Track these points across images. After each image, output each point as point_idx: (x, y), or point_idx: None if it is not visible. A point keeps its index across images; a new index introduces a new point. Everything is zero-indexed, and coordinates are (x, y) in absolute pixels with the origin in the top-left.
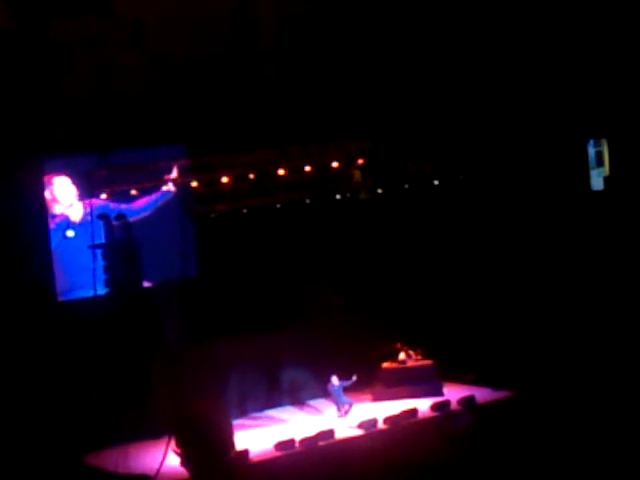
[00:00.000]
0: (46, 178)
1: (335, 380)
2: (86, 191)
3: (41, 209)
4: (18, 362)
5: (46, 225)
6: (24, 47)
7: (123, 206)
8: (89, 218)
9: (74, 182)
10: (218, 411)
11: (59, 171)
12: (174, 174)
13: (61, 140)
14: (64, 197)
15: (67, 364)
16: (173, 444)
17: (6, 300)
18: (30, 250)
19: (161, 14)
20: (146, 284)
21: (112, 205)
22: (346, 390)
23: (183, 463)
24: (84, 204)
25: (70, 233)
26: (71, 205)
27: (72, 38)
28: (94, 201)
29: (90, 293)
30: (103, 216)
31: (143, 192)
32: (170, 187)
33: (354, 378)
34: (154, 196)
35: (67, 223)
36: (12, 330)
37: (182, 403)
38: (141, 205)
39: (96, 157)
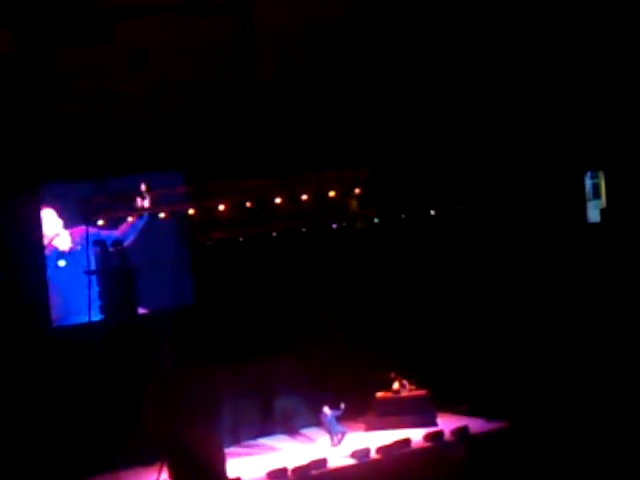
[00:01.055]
0: None
1: (327, 410)
2: (83, 218)
3: (37, 235)
4: (12, 388)
5: (42, 251)
6: (25, 73)
7: (107, 232)
8: (79, 247)
9: (60, 212)
10: (210, 439)
11: (49, 201)
12: (146, 203)
13: (59, 167)
14: (48, 229)
15: (61, 390)
16: (166, 472)
17: (1, 326)
18: (25, 276)
19: (160, 42)
20: (142, 310)
21: (97, 231)
22: (339, 419)
23: None
24: (71, 233)
25: (62, 263)
26: (57, 235)
27: (72, 65)
28: (78, 229)
29: (85, 319)
30: (99, 242)
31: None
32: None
33: (342, 406)
34: (134, 221)
35: (57, 253)
36: (6, 355)
37: (175, 430)
38: (123, 231)
39: (93, 184)
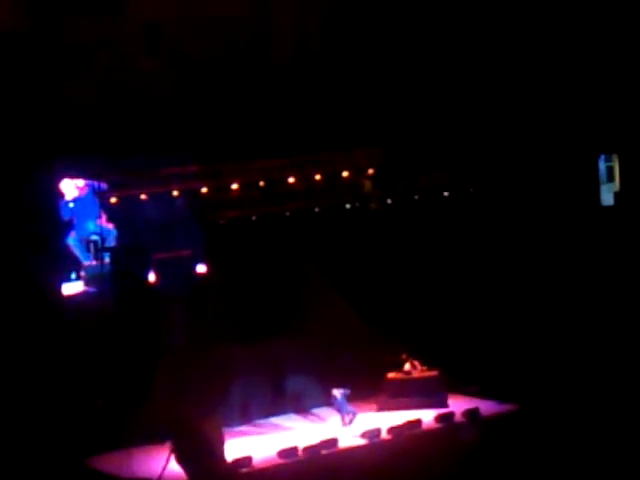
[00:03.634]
0: None
1: (336, 392)
2: (94, 193)
3: (53, 207)
4: (20, 362)
5: (56, 222)
6: (39, 49)
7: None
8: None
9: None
10: (210, 420)
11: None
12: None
13: (73, 142)
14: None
15: (71, 366)
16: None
17: (12, 298)
18: (39, 246)
19: (174, 20)
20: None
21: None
22: (349, 399)
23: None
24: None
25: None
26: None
27: (86, 40)
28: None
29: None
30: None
31: (152, 197)
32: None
33: (342, 391)
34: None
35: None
36: (14, 329)
37: (179, 411)
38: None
39: (106, 161)
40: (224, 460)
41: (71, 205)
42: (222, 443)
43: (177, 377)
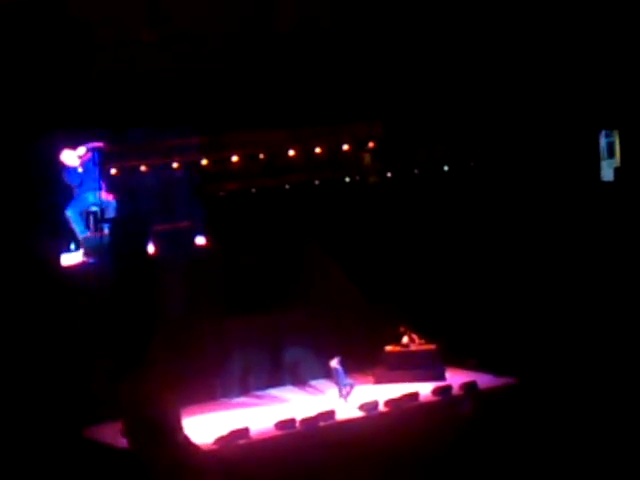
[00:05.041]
0: None
1: (333, 363)
2: (96, 164)
3: (53, 179)
4: (19, 333)
5: (55, 196)
6: (40, 20)
7: None
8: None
9: None
10: (167, 393)
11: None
12: None
13: (74, 113)
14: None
15: (69, 336)
16: (122, 428)
17: (11, 269)
18: (39, 217)
19: None
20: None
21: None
22: (346, 371)
23: (130, 444)
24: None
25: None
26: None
27: (88, 12)
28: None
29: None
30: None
31: (153, 169)
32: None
33: (337, 359)
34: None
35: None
36: (13, 299)
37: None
38: None
39: (107, 133)
40: (178, 442)
41: (80, 170)
42: (178, 424)
43: (174, 348)
